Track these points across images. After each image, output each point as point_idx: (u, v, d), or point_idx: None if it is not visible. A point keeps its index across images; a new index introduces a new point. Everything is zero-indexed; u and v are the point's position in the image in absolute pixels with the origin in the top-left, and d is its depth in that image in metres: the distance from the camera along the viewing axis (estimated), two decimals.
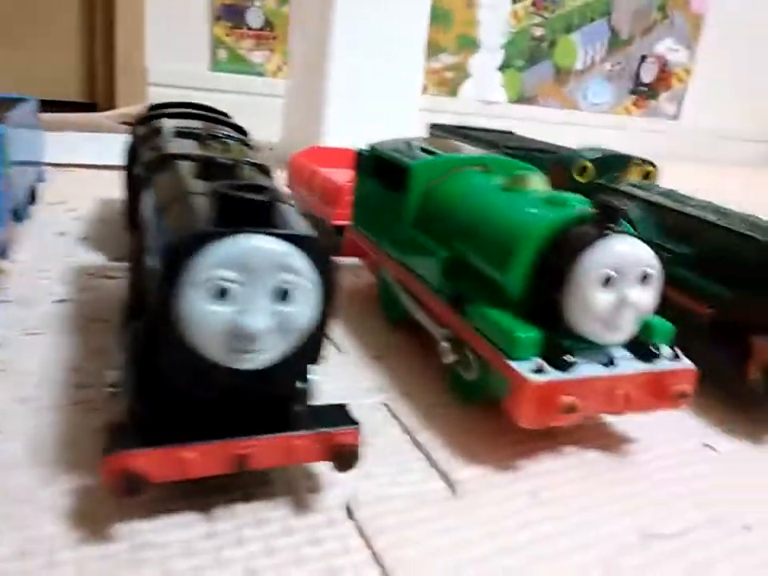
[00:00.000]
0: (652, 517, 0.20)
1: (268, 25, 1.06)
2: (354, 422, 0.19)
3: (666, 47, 1.37)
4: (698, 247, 0.30)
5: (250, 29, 1.06)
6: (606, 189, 0.37)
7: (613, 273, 0.21)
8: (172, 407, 0.18)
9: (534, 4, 1.23)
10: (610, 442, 0.24)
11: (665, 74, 1.39)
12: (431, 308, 0.27)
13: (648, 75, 1.38)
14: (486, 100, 1.24)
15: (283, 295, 0.18)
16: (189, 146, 0.25)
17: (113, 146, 0.64)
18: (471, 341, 0.23)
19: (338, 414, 0.19)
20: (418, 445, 0.23)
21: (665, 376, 0.22)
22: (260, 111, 0.94)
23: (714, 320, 0.28)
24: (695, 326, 0.28)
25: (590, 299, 0.21)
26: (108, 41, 1.00)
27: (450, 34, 1.20)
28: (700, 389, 0.29)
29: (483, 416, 0.24)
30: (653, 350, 0.22)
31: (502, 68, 1.24)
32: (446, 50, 1.20)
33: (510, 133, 0.56)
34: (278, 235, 0.18)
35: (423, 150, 0.31)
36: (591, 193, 0.39)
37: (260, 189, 0.19)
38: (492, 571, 0.18)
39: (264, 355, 0.18)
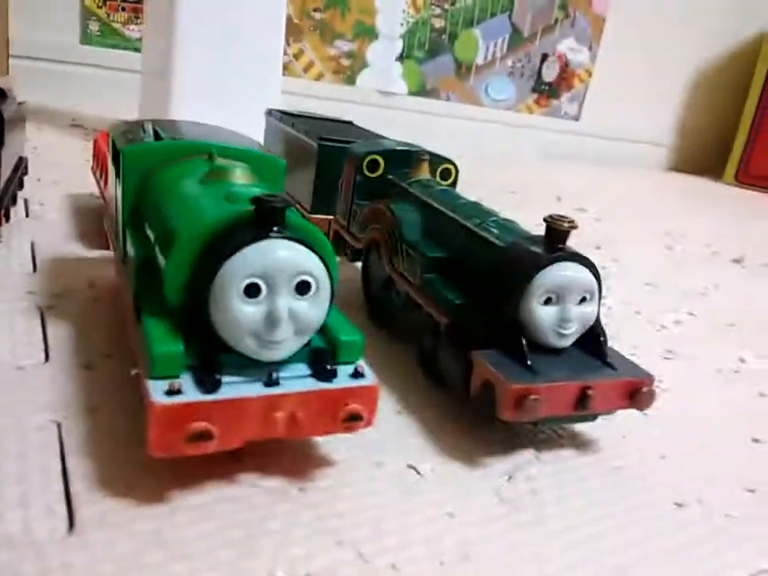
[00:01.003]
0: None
1: None
2: None
3: (568, 47, 1.37)
4: (451, 251, 0.28)
5: (124, 0, 1.00)
6: (390, 184, 0.35)
7: (262, 282, 0.18)
8: None
9: None
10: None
11: (566, 73, 1.40)
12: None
13: (550, 74, 1.38)
14: (384, 90, 1.22)
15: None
16: None
17: None
18: (136, 353, 0.21)
19: None
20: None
21: (336, 395, 0.20)
22: (136, 87, 0.89)
23: (447, 330, 0.26)
24: (436, 335, 0.26)
25: (234, 311, 0.18)
26: None
27: (347, 20, 1.17)
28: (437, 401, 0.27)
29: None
30: (328, 366, 0.20)
31: (401, 58, 1.22)
32: (343, 37, 1.17)
33: (350, 123, 0.53)
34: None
35: (156, 134, 0.28)
36: (379, 188, 0.37)
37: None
38: None
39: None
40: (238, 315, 0.18)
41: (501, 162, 1.21)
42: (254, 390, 0.19)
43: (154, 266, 0.22)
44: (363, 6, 1.21)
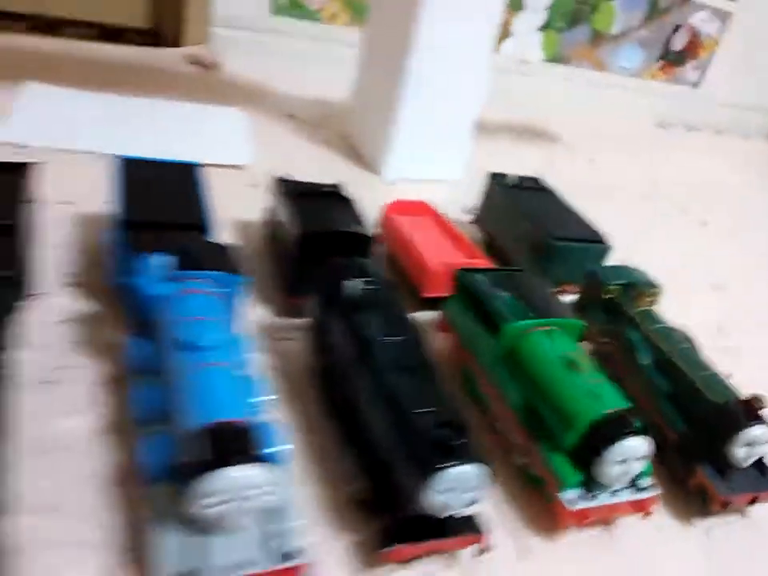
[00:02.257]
0: None
1: None
2: None
3: (700, 19, 1.42)
4: (672, 384, 0.47)
5: None
6: (620, 308, 0.52)
7: (624, 459, 0.37)
8: None
9: None
10: None
11: (694, 43, 1.45)
12: (506, 420, 0.43)
13: (678, 43, 1.44)
14: (522, 59, 1.31)
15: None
16: None
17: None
18: (536, 461, 0.40)
19: None
20: None
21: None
22: (319, 57, 1.02)
23: (677, 443, 0.44)
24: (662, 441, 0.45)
25: (610, 472, 0.37)
26: None
27: None
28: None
29: None
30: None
31: (543, 28, 1.30)
32: None
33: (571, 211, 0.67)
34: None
35: (512, 299, 0.45)
36: (609, 306, 0.54)
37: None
38: None
39: None
40: (611, 473, 0.37)
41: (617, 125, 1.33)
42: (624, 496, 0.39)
43: (538, 414, 0.41)
44: None
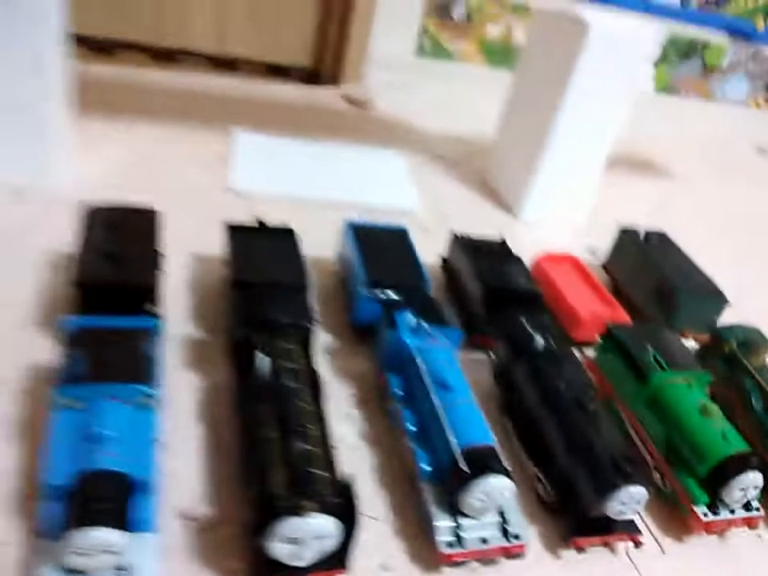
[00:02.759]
0: None
1: (469, 18, 1.23)
2: None
3: None
4: None
5: (451, 19, 1.23)
6: (738, 361, 0.64)
7: (744, 488, 0.50)
8: None
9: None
10: None
11: None
12: (648, 447, 0.56)
13: None
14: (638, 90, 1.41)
15: None
16: None
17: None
18: (672, 482, 0.54)
19: None
20: None
21: None
22: (460, 96, 1.15)
23: None
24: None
25: (731, 496, 0.51)
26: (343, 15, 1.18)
27: None
28: None
29: None
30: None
31: (657, 63, 1.39)
32: None
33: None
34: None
35: (654, 351, 0.59)
36: (728, 359, 0.66)
37: None
38: None
39: None
40: (733, 497, 0.51)
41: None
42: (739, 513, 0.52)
43: (676, 447, 0.54)
44: None
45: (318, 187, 0.83)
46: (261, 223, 0.62)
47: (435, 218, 0.86)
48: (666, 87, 1.45)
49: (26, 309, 0.56)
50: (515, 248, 0.73)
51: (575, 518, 0.49)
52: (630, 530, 0.49)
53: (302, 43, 1.18)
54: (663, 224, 0.84)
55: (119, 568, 0.33)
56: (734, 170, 1.38)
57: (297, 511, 0.35)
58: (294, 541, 0.35)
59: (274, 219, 0.65)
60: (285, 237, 0.62)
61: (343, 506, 0.36)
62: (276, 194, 0.80)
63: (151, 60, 1.13)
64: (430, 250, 0.73)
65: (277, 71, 1.19)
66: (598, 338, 0.64)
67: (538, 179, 0.90)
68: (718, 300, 0.73)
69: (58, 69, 0.68)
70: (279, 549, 0.35)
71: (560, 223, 0.93)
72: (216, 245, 0.63)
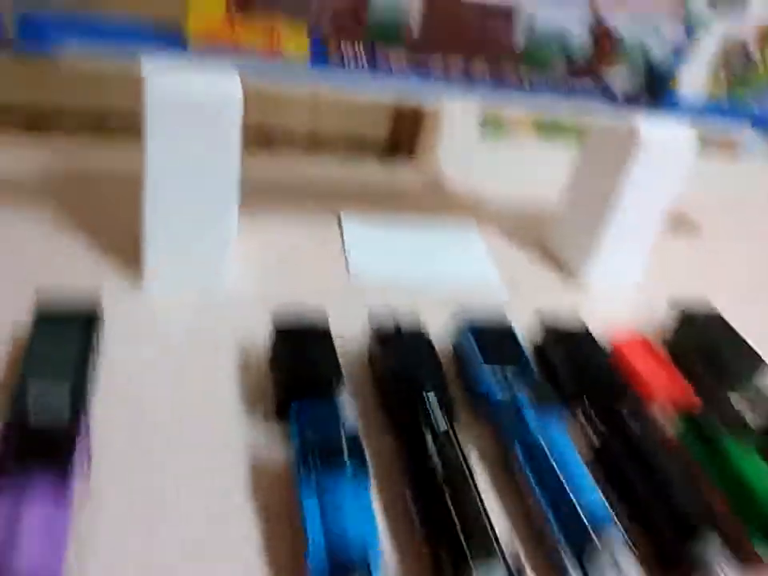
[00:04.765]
0: None
1: None
2: None
3: None
4: None
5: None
6: None
7: None
8: None
9: None
10: None
11: None
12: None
13: None
14: None
15: None
16: None
17: None
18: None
19: None
20: None
21: None
22: (519, 171, 1.25)
23: None
24: None
25: None
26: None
27: None
28: None
29: None
30: None
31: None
32: None
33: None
34: None
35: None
36: None
37: None
38: None
39: None
40: None
41: None
42: None
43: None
44: None
45: (418, 271, 0.92)
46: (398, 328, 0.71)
47: (508, 288, 0.95)
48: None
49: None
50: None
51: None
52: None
53: (380, 117, 1.24)
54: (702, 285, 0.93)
55: None
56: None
57: None
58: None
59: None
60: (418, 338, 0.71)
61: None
62: (391, 280, 0.88)
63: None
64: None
65: (355, 145, 1.25)
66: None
67: (600, 250, 0.99)
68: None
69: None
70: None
71: (617, 290, 1.02)
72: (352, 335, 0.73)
